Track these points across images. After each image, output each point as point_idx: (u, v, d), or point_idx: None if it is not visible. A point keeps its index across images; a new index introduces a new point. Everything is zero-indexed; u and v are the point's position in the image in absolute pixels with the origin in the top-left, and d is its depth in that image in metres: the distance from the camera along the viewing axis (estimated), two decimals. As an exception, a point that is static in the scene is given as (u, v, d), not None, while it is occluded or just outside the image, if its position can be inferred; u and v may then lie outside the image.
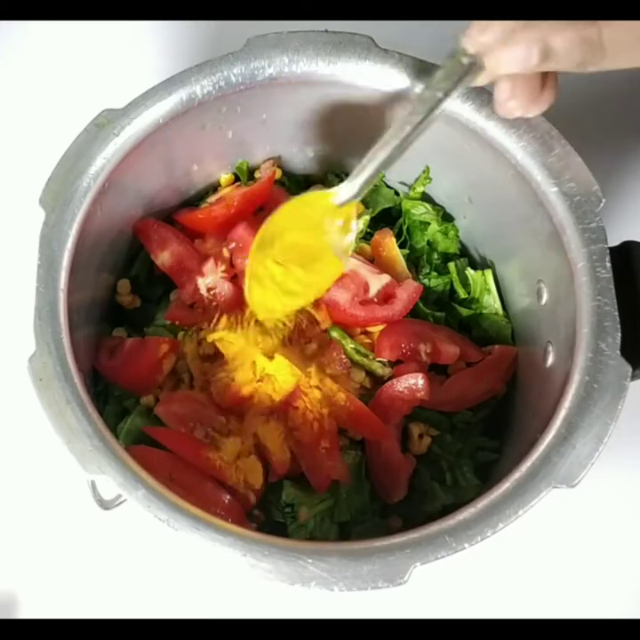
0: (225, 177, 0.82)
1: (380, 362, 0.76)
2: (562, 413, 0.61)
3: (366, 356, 0.76)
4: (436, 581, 0.80)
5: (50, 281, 0.63)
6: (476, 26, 0.55)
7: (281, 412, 0.72)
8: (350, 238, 0.68)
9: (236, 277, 0.77)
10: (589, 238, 0.65)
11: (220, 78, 0.69)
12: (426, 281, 0.81)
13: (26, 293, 0.63)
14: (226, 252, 0.76)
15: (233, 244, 0.76)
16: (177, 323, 0.76)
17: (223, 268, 0.76)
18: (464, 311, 0.81)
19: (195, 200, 0.83)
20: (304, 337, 0.77)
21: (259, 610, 0.79)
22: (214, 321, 0.75)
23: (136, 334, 0.79)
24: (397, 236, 0.81)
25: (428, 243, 0.82)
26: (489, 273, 0.80)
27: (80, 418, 0.59)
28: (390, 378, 0.76)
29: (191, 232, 0.80)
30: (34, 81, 0.98)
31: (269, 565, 0.56)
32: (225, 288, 0.76)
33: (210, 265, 0.76)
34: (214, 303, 0.76)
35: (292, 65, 0.69)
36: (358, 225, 0.80)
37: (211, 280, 0.76)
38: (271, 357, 0.70)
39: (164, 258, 0.78)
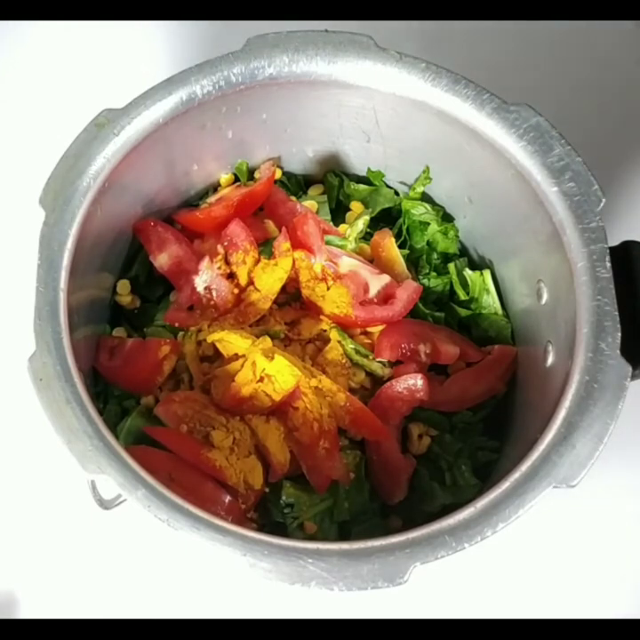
0: (225, 177, 0.82)
1: (379, 362, 0.76)
2: (562, 413, 0.61)
3: (366, 356, 0.76)
4: (436, 581, 0.80)
5: (50, 281, 0.63)
6: None
7: (281, 412, 0.72)
8: None
9: (232, 276, 0.77)
10: (589, 238, 0.65)
11: (220, 78, 0.69)
12: (425, 281, 0.81)
13: (26, 293, 0.63)
14: (220, 249, 0.76)
15: (227, 241, 0.76)
16: (177, 325, 0.76)
17: (219, 265, 0.76)
18: (463, 311, 0.81)
19: (195, 200, 0.83)
20: (304, 337, 0.77)
21: (259, 610, 0.79)
22: (213, 321, 0.75)
23: (136, 334, 0.79)
24: (397, 236, 0.81)
25: (428, 243, 0.82)
26: (487, 273, 0.80)
27: (80, 418, 0.59)
28: (390, 378, 0.76)
29: (191, 232, 0.80)
30: (34, 81, 0.98)
31: (269, 565, 0.56)
32: (222, 285, 0.76)
33: (205, 262, 0.76)
34: (212, 302, 0.76)
35: (292, 65, 0.70)
36: (358, 225, 0.80)
37: (207, 277, 0.76)
38: (271, 357, 0.70)
39: (162, 260, 0.78)
